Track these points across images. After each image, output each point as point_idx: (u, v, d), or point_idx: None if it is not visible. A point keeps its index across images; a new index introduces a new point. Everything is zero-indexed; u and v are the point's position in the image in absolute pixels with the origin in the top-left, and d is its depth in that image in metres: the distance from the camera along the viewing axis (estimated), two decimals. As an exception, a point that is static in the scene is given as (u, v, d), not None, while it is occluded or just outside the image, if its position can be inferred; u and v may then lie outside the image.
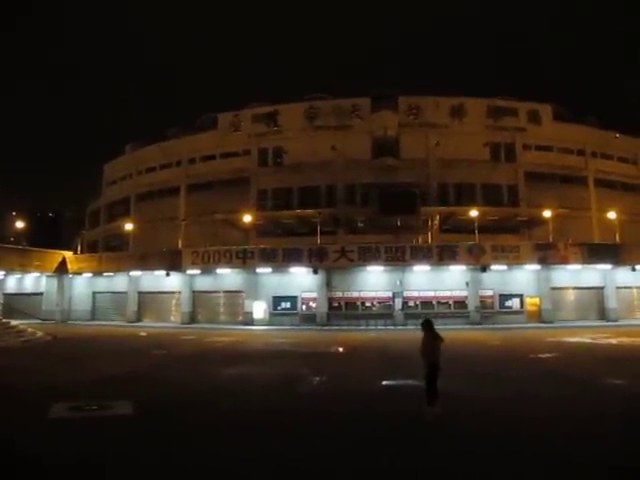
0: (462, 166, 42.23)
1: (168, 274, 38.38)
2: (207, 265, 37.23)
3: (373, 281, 37.50)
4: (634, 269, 35.99)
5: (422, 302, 37.24)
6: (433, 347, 9.56)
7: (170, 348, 22.70)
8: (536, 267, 36.23)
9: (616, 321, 35.75)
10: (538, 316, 36.67)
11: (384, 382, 13.72)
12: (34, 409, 10.32)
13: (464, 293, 37.15)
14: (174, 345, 24.30)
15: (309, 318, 37.14)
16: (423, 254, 35.53)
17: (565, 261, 35.66)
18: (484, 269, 35.86)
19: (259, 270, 37.12)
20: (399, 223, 39.81)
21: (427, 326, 9.76)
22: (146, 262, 39.66)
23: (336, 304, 37.85)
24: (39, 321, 38.29)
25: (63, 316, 42.31)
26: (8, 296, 42.36)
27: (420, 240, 39.44)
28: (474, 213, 37.52)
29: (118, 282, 42.31)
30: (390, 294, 37.31)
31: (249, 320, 37.28)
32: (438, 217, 40.51)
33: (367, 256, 35.43)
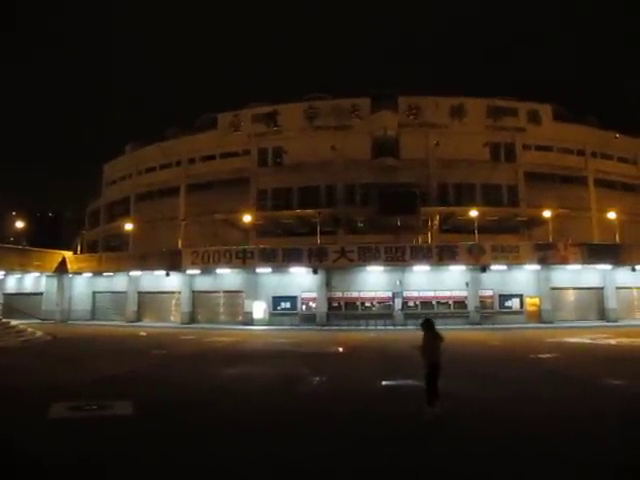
0: (462, 166, 42.23)
1: (168, 274, 38.40)
2: (207, 265, 37.24)
3: (373, 281, 37.51)
4: (634, 269, 36.01)
5: (422, 302, 37.26)
6: (433, 346, 9.55)
7: (170, 348, 22.69)
8: (536, 267, 36.25)
9: (616, 321, 35.76)
10: (538, 316, 36.68)
11: (384, 382, 13.72)
12: (34, 409, 10.31)
13: (464, 293, 37.17)
14: (174, 345, 24.30)
15: (309, 318, 37.15)
16: (423, 254, 35.55)
17: (565, 261, 35.68)
18: (484, 269, 35.88)
19: (259, 270, 37.13)
20: (399, 223, 39.84)
21: (427, 325, 9.76)
22: (146, 262, 39.67)
23: (336, 304, 37.87)
24: (39, 321, 38.31)
25: (63, 316, 42.32)
26: (8, 296, 42.36)
27: (420, 240, 39.46)
28: (474, 213, 37.56)
29: (118, 282, 42.32)
30: (390, 294, 37.32)
31: (249, 320, 37.29)
32: (438, 217, 40.54)
33: (367, 256, 35.44)
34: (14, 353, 20.90)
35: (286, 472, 6.96)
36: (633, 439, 8.16)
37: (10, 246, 44.88)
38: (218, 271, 38.10)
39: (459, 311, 36.90)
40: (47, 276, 43.52)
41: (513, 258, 35.50)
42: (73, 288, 43.96)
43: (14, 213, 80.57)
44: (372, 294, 37.73)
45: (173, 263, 37.95)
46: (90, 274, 42.81)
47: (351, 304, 37.85)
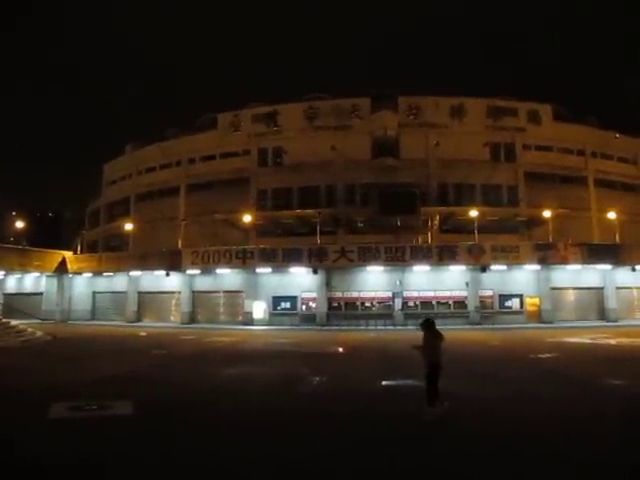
0: (462, 166, 42.22)
1: (168, 274, 38.41)
2: (207, 265, 37.25)
3: (373, 281, 37.51)
4: (634, 269, 36.01)
5: (422, 302, 37.27)
6: (434, 346, 9.53)
7: (170, 348, 22.69)
8: (536, 267, 36.25)
9: (616, 321, 35.77)
10: (538, 316, 36.69)
11: (384, 382, 13.73)
12: (34, 409, 10.31)
13: (464, 293, 37.17)
14: (174, 345, 24.30)
15: (309, 318, 37.16)
16: (423, 254, 35.56)
17: (565, 261, 35.69)
18: (484, 269, 35.89)
19: (259, 270, 37.13)
20: (399, 223, 39.85)
21: (427, 325, 9.74)
22: (146, 262, 39.68)
23: (336, 304, 37.87)
24: (39, 321, 38.32)
25: (63, 316, 42.32)
26: (8, 296, 42.37)
27: (420, 240, 39.47)
28: (474, 213, 37.58)
29: (118, 282, 42.33)
30: (390, 294, 37.33)
31: (249, 320, 37.30)
32: (438, 217, 40.56)
33: (367, 256, 35.45)
34: (14, 353, 20.91)
35: (286, 472, 6.96)
36: (633, 439, 8.17)
37: (10, 246, 44.89)
38: (218, 271, 38.10)
39: (459, 311, 36.91)
40: (47, 276, 43.52)
41: (513, 258, 35.51)
42: (73, 288, 43.96)
43: (14, 213, 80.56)
44: (372, 294, 37.73)
45: (173, 263, 37.96)
46: (90, 274, 42.81)
47: (351, 304, 37.85)
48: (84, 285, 43.92)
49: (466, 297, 37.17)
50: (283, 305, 38.27)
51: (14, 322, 28.89)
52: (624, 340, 24.64)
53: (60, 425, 9.29)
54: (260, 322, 37.03)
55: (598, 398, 11.41)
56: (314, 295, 37.60)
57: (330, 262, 35.71)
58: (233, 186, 44.38)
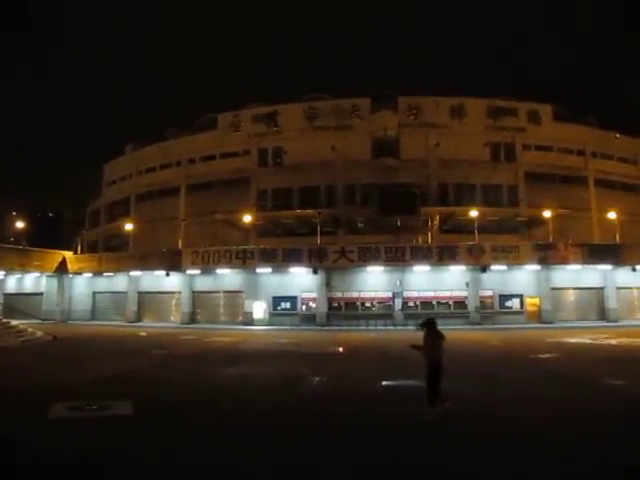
0: (462, 166, 42.20)
1: (168, 274, 38.41)
2: (207, 265, 37.25)
3: (373, 281, 37.51)
4: (634, 269, 35.98)
5: (422, 302, 37.25)
6: (435, 346, 9.52)
7: (170, 348, 22.70)
8: (536, 267, 36.24)
9: (616, 321, 35.75)
10: (538, 316, 36.67)
11: (384, 382, 13.73)
12: (34, 409, 10.31)
13: (464, 293, 37.16)
14: (174, 345, 24.31)
15: (309, 318, 37.16)
16: (423, 254, 35.55)
17: (565, 261, 35.68)
18: (484, 269, 35.88)
19: (259, 270, 37.14)
20: (399, 223, 39.85)
21: (428, 325, 9.72)
22: (146, 262, 39.68)
23: (336, 304, 37.87)
24: (39, 321, 38.31)
25: (63, 316, 42.32)
26: (8, 296, 42.36)
27: (420, 240, 39.47)
28: (474, 213, 37.58)
29: (118, 282, 42.33)
30: (390, 294, 37.32)
31: (249, 320, 37.30)
32: (438, 217, 40.55)
33: (367, 256, 35.45)
34: (14, 353, 20.91)
35: (286, 472, 6.97)
36: (633, 439, 8.17)
37: (10, 246, 44.89)
38: (218, 271, 38.11)
39: (459, 311, 36.89)
40: (47, 276, 43.52)
41: (513, 258, 35.50)
42: (73, 288, 43.96)
43: (14, 213, 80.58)
44: (372, 294, 37.72)
45: (173, 263, 37.96)
46: (90, 274, 42.82)
47: (351, 304, 37.85)
48: (84, 285, 43.92)
49: (466, 297, 37.16)
50: (283, 305, 38.26)
51: (14, 322, 28.89)
52: (624, 340, 24.64)
53: (60, 425, 9.30)
54: (260, 322, 37.03)
55: (598, 398, 11.42)
56: (314, 295, 37.61)
57: (330, 262, 35.71)
58: (233, 186, 44.38)
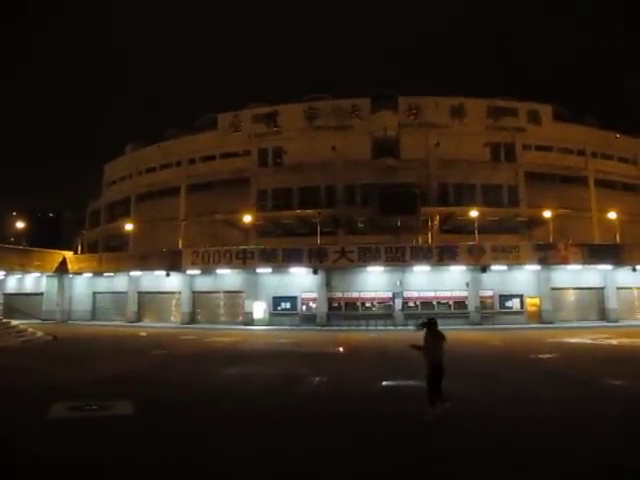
0: (462, 166, 42.20)
1: (168, 274, 38.41)
2: (207, 265, 37.26)
3: (373, 281, 37.51)
4: (635, 269, 35.98)
5: (422, 302, 37.25)
6: (435, 347, 9.51)
7: (170, 348, 22.70)
8: (536, 267, 36.24)
9: (616, 322, 35.74)
10: (538, 316, 36.66)
11: (384, 382, 13.73)
12: (34, 409, 10.31)
13: (464, 293, 37.16)
14: (174, 345, 24.31)
15: (309, 318, 37.16)
16: (423, 254, 35.56)
17: (565, 261, 35.68)
18: (484, 269, 35.88)
19: (259, 270, 37.14)
20: (399, 223, 39.85)
21: (429, 325, 9.71)
22: (146, 262, 39.69)
23: (336, 304, 37.87)
24: (39, 321, 38.30)
25: (63, 316, 42.33)
26: (8, 296, 42.37)
27: (420, 240, 39.47)
28: (474, 213, 37.58)
29: (118, 282, 42.34)
30: (390, 294, 37.32)
31: (249, 320, 37.31)
32: (438, 217, 40.55)
33: (367, 256, 35.45)
34: (14, 353, 20.91)
35: (286, 472, 6.97)
36: (634, 440, 8.16)
37: (10, 246, 44.89)
38: (218, 271, 38.11)
39: (459, 311, 36.88)
40: (47, 276, 43.53)
41: (513, 258, 35.50)
42: (73, 288, 43.97)
43: (14, 213, 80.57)
44: (372, 294, 37.72)
45: (173, 263, 37.97)
46: (90, 274, 42.82)
47: (351, 304, 37.84)
48: (84, 285, 43.93)
49: (466, 297, 37.16)
50: (283, 305, 38.26)
51: (14, 322, 28.90)
52: (625, 340, 24.63)
53: (60, 425, 9.30)
54: (260, 322, 37.04)
55: (599, 399, 11.41)
56: (314, 295, 37.61)
57: (330, 262, 35.72)
58: (233, 186, 44.38)
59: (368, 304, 37.70)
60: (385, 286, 37.42)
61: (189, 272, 38.50)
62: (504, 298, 37.59)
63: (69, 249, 47.59)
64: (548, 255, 35.39)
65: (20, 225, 60.13)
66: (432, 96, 44.36)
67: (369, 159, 42.98)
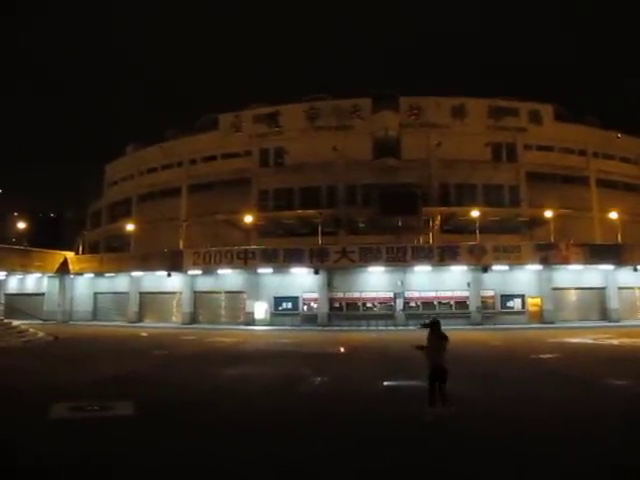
0: (463, 166, 42.17)
1: (169, 274, 38.44)
2: (208, 266, 37.27)
3: (374, 282, 37.50)
4: (636, 269, 35.94)
5: (423, 302, 37.24)
6: (438, 347, 9.48)
7: (171, 348, 22.71)
8: (538, 267, 36.21)
9: (618, 322, 35.71)
10: (539, 316, 36.64)
11: (386, 383, 13.72)
12: (35, 409, 10.32)
13: (465, 293, 37.14)
14: (175, 345, 24.32)
15: (310, 318, 37.16)
16: (424, 254, 35.54)
17: (567, 261, 35.65)
18: (485, 269, 35.85)
19: (260, 270, 37.15)
20: (400, 223, 39.82)
21: (432, 326, 9.68)
22: (147, 263, 39.73)
23: (337, 304, 37.86)
24: (40, 322, 38.28)
25: (64, 317, 42.37)
26: (10, 296, 42.44)
27: (421, 240, 39.45)
28: (475, 213, 37.55)
29: (119, 282, 42.38)
30: (391, 295, 37.32)
31: (250, 320, 37.32)
32: (439, 217, 40.50)
33: (368, 257, 35.45)
34: (16, 354, 20.92)
35: (287, 473, 6.96)
36: (635, 440, 8.15)
37: (12, 247, 44.90)
38: (219, 271, 38.13)
39: (460, 311, 36.86)
40: (49, 277, 43.58)
41: (515, 258, 35.48)
42: (75, 289, 44.01)
43: (16, 214, 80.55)
44: (373, 294, 37.72)
45: (174, 264, 37.99)
46: (92, 275, 42.87)
47: (352, 304, 37.83)
48: (86, 286, 43.97)
49: (468, 297, 37.14)
50: (284, 305, 38.28)
51: (16, 322, 28.92)
52: (626, 340, 24.60)
53: (61, 426, 9.30)
54: (261, 322, 37.05)
55: (600, 399, 11.39)
56: (315, 295, 37.61)
57: (331, 262, 35.71)
58: (234, 187, 44.39)
59: (369, 304, 37.69)
60: (386, 286, 37.41)
61: (190, 272, 38.52)
62: (505, 298, 37.58)
63: (70, 249, 47.64)
64: (549, 255, 35.36)
65: (21, 225, 60.09)
66: (433, 96, 44.36)
67: (370, 159, 42.97)
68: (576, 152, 45.84)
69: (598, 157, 46.39)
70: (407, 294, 37.13)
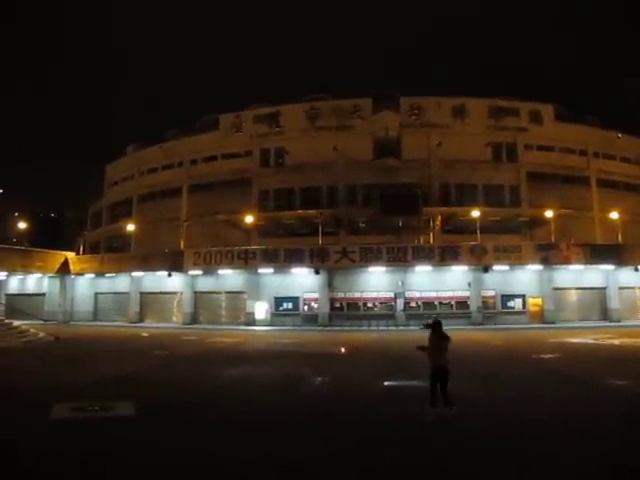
0: (464, 166, 42.15)
1: (170, 275, 38.45)
2: (209, 266, 37.28)
3: (375, 282, 37.49)
4: (637, 269, 35.92)
5: (424, 303, 37.22)
6: (440, 348, 9.48)
7: (172, 349, 22.71)
8: (538, 267, 36.19)
9: (619, 321, 35.70)
10: (540, 316, 36.62)
11: (386, 383, 13.72)
12: (36, 410, 10.32)
13: (466, 293, 37.13)
14: (176, 346, 24.32)
15: (311, 319, 37.16)
16: (425, 254, 35.53)
17: (567, 261, 35.63)
18: (486, 269, 35.84)
19: (261, 271, 37.15)
20: (401, 224, 39.80)
21: (434, 327, 9.68)
22: (148, 263, 39.73)
23: (338, 305, 37.85)
24: (41, 322, 38.34)
25: (65, 317, 42.39)
26: (10, 297, 42.46)
27: (422, 240, 39.42)
28: (476, 213, 37.56)
29: (120, 283, 42.38)
30: (392, 295, 37.31)
31: (251, 321, 37.33)
32: (440, 217, 40.51)
33: (369, 257, 35.44)
34: (16, 354, 20.93)
35: (288, 473, 6.96)
36: (636, 440, 8.14)
37: (12, 247, 44.95)
38: (220, 272, 38.13)
39: (461, 311, 36.85)
40: (49, 277, 43.60)
41: (515, 258, 35.46)
42: (75, 289, 44.02)
43: (16, 214, 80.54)
44: (374, 295, 37.70)
45: (175, 264, 38.00)
46: (92, 275, 42.88)
47: (353, 305, 37.82)
48: (86, 286, 43.98)
49: (468, 297, 37.12)
50: (285, 306, 38.27)
51: (16, 323, 28.94)
52: (627, 340, 24.59)
53: (62, 426, 9.30)
54: (262, 323, 37.05)
55: (601, 399, 11.39)
56: (316, 296, 37.60)
57: (332, 262, 35.71)
58: (235, 187, 44.38)
59: (370, 304, 37.68)
60: (387, 286, 37.40)
61: (191, 272, 38.53)
62: (506, 298, 37.57)
63: (71, 250, 47.67)
64: (550, 255, 35.35)
65: (22, 226, 60.14)
66: (433, 96, 44.32)
67: (371, 159, 42.95)
68: (577, 152, 45.79)
69: (599, 157, 46.33)
70: (408, 294, 37.12)
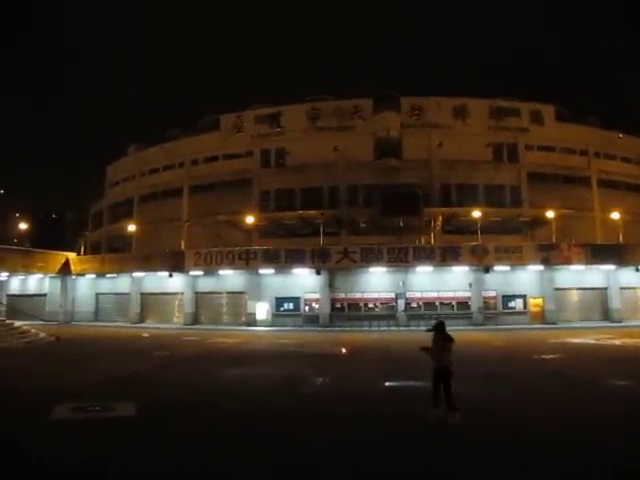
0: (465, 167, 42.15)
1: (171, 275, 38.48)
2: (210, 266, 37.29)
3: (376, 282, 37.48)
4: (638, 269, 35.89)
5: (425, 303, 37.22)
6: (443, 349, 9.47)
7: (173, 349, 22.72)
8: (539, 268, 36.17)
9: (620, 322, 35.67)
10: (541, 317, 36.60)
11: (387, 383, 13.71)
12: (37, 410, 10.33)
13: (467, 294, 37.12)
14: (177, 346, 24.32)
15: (312, 319, 37.16)
16: (426, 255, 35.52)
17: (568, 262, 35.61)
18: (487, 270, 35.82)
19: (262, 271, 37.16)
20: (402, 224, 39.81)
21: (438, 327, 9.68)
22: (149, 263, 39.75)
23: (339, 305, 37.85)
24: (42, 322, 38.30)
25: (66, 317, 42.42)
26: (11, 297, 42.53)
27: (423, 241, 39.42)
28: (477, 214, 37.54)
29: (121, 283, 42.41)
30: (393, 295, 37.31)
31: (252, 321, 37.34)
32: (441, 218, 40.51)
33: (370, 257, 35.44)
34: (18, 354, 20.94)
35: (288, 473, 6.97)
36: (637, 440, 8.14)
37: (14, 247, 45.06)
38: (221, 272, 38.14)
39: (462, 312, 36.83)
40: (50, 277, 43.63)
41: (516, 259, 35.45)
42: (76, 289, 44.05)
43: (17, 214, 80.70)
44: (375, 295, 37.70)
45: (176, 264, 38.01)
46: (93, 275, 42.90)
47: (354, 305, 37.82)
48: (87, 286, 44.01)
49: (469, 298, 37.11)
50: (286, 306, 38.28)
51: (18, 323, 28.95)
52: (628, 341, 24.58)
53: (63, 426, 9.31)
54: (263, 323, 37.06)
55: (602, 399, 11.38)
56: (317, 296, 37.60)
57: (333, 263, 35.71)
58: (236, 187, 44.40)
59: (371, 305, 37.68)
60: (388, 287, 37.40)
61: (192, 273, 38.55)
62: (507, 298, 37.55)
63: (72, 250, 47.74)
64: (551, 255, 35.33)
65: (23, 226, 60.24)
66: (434, 96, 44.34)
67: (371, 160, 42.97)
68: (577, 152, 45.79)
69: (599, 157, 46.32)
70: (409, 295, 37.11)
